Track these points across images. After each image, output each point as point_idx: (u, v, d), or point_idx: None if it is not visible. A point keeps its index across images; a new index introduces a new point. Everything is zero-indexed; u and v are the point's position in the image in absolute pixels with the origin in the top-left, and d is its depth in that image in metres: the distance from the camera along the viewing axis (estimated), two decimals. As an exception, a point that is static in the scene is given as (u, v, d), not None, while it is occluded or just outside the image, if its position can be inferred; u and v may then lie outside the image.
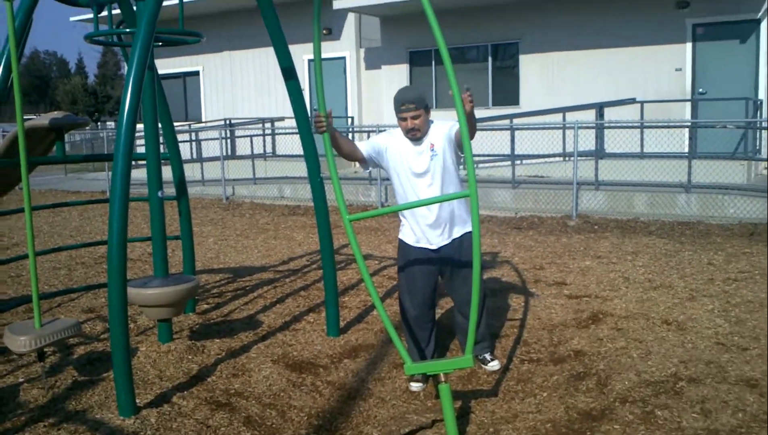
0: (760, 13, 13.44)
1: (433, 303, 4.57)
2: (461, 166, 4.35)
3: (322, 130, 4.03)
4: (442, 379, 3.63)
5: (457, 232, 4.44)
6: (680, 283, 6.78)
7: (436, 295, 4.60)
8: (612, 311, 5.88)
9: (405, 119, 4.21)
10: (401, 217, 4.55)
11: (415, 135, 4.24)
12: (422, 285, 4.47)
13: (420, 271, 4.46)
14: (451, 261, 4.45)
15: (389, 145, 4.37)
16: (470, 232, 4.43)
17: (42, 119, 5.38)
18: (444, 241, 4.41)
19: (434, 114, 4.41)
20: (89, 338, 5.49)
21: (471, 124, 3.87)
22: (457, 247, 4.43)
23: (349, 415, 4.09)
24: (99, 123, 52.71)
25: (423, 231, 4.40)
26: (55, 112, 5.49)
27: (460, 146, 4.21)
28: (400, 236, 4.58)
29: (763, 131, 13.36)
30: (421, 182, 4.30)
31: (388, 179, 14.03)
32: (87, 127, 23.64)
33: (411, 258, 4.48)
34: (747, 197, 10.65)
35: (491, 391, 4.39)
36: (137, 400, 4.06)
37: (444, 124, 4.32)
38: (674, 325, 5.44)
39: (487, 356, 4.76)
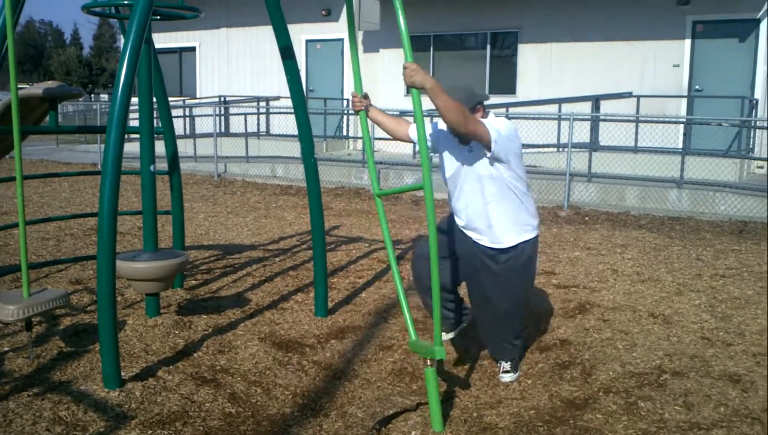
0: (760, 13, 13.45)
1: (452, 284, 4.33)
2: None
3: (358, 109, 4.20)
4: (429, 363, 3.64)
5: (483, 239, 4.09)
6: (668, 277, 6.81)
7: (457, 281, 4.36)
8: (599, 302, 5.91)
9: None
10: None
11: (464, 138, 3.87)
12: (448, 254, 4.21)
13: (450, 239, 4.22)
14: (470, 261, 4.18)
15: (437, 138, 4.17)
16: (501, 249, 4.06)
17: (35, 88, 5.33)
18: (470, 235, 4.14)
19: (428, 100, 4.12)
20: (76, 309, 5.48)
21: (438, 104, 3.57)
22: (475, 253, 4.14)
23: (334, 395, 4.11)
24: (93, 95, 52.39)
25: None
26: (49, 82, 5.44)
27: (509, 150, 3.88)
28: None
29: (757, 130, 13.40)
30: (455, 179, 4.08)
31: (380, 162, 13.99)
32: (80, 99, 23.49)
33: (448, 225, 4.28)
34: (738, 195, 10.70)
35: (477, 376, 4.41)
36: (122, 373, 4.06)
37: (498, 120, 3.95)
38: (660, 318, 5.47)
39: (504, 364, 4.39)
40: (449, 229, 4.25)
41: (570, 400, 4.01)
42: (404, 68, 3.54)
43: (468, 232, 4.14)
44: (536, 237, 4.15)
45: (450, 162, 4.10)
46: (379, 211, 3.83)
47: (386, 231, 3.94)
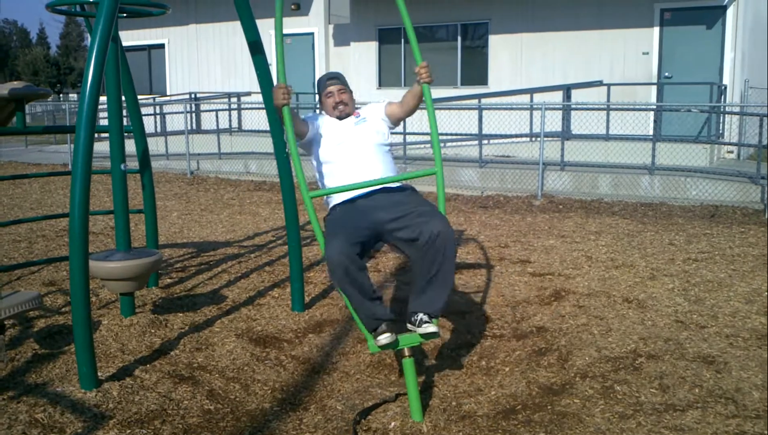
0: (726, 0, 13.60)
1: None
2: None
3: (285, 102, 3.79)
4: (407, 354, 3.65)
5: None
6: (642, 262, 6.88)
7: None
8: (574, 289, 5.96)
9: (332, 94, 4.22)
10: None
11: (344, 110, 4.22)
12: None
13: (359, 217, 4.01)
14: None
15: (321, 123, 4.24)
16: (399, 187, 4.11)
17: (1, 89, 5.25)
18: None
19: (402, 92, 4.32)
20: (50, 311, 5.42)
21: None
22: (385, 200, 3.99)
23: (313, 388, 4.10)
24: (61, 95, 51.74)
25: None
26: (15, 83, 5.36)
27: (394, 121, 4.28)
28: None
29: (726, 115, 13.57)
30: (347, 151, 4.11)
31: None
32: (49, 99, 23.19)
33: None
34: (709, 180, 10.83)
35: (454, 365, 4.43)
36: (99, 374, 4.02)
37: (375, 104, 4.40)
38: (635, 303, 5.53)
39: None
40: (351, 210, 3.96)
41: (547, 386, 4.04)
42: (427, 67, 3.91)
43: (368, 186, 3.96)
44: None
45: (342, 135, 4.16)
46: (309, 211, 3.61)
47: (319, 233, 3.76)
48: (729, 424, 3.49)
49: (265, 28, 16.21)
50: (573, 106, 13.63)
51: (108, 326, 4.93)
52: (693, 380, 4.02)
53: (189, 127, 15.73)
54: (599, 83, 14.55)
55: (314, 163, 4.26)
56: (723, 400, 3.75)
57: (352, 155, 4.10)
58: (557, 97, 14.49)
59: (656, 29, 14.34)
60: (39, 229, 8.92)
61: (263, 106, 5.31)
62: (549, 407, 3.76)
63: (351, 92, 4.33)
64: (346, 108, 4.23)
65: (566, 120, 13.60)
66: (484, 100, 14.42)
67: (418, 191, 4.25)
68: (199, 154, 15.93)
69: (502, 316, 5.33)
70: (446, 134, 14.45)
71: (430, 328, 3.66)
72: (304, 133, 4.21)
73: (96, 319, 5.00)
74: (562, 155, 12.36)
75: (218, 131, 16.51)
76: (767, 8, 14.68)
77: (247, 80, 18.44)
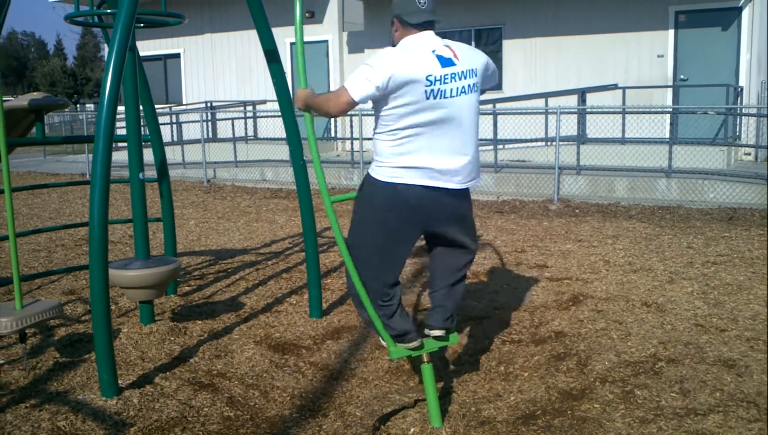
0: (741, 1, 13.52)
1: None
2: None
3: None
4: (425, 360, 3.65)
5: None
6: (660, 266, 6.84)
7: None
8: (592, 293, 5.93)
9: None
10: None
11: None
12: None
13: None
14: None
15: None
16: None
17: (21, 100, 5.32)
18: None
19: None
20: (70, 320, 5.46)
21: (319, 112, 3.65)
22: None
23: (332, 395, 4.11)
24: (78, 105, 52.18)
25: None
26: (35, 93, 5.43)
27: None
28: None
29: (743, 117, 13.48)
30: None
31: (369, 162, 14.02)
32: (66, 109, 23.40)
33: None
34: (727, 182, 10.76)
35: (473, 371, 4.42)
36: (119, 381, 4.05)
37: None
38: (654, 307, 5.50)
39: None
40: None
41: (567, 391, 4.03)
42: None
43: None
44: (376, 179, 3.59)
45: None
46: (330, 217, 3.47)
47: (340, 239, 3.52)
48: (751, 428, 3.47)
49: (281, 36, 16.28)
50: (588, 110, 13.57)
51: (128, 334, 4.96)
52: (714, 384, 3.99)
53: (205, 136, 15.81)
54: (614, 86, 14.50)
55: None
56: (745, 404, 3.72)
57: None
58: (572, 100, 14.44)
59: (671, 31, 14.27)
60: (58, 238, 8.99)
61: (279, 113, 5.33)
62: (569, 412, 3.74)
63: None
64: None
65: (581, 124, 13.55)
66: (498, 105, 14.40)
67: None
68: (215, 163, 16.02)
69: (520, 322, 5.32)
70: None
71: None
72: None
73: (116, 327, 5.04)
74: (578, 159, 12.31)
75: (234, 139, 16.59)
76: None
77: (263, 88, 18.52)
